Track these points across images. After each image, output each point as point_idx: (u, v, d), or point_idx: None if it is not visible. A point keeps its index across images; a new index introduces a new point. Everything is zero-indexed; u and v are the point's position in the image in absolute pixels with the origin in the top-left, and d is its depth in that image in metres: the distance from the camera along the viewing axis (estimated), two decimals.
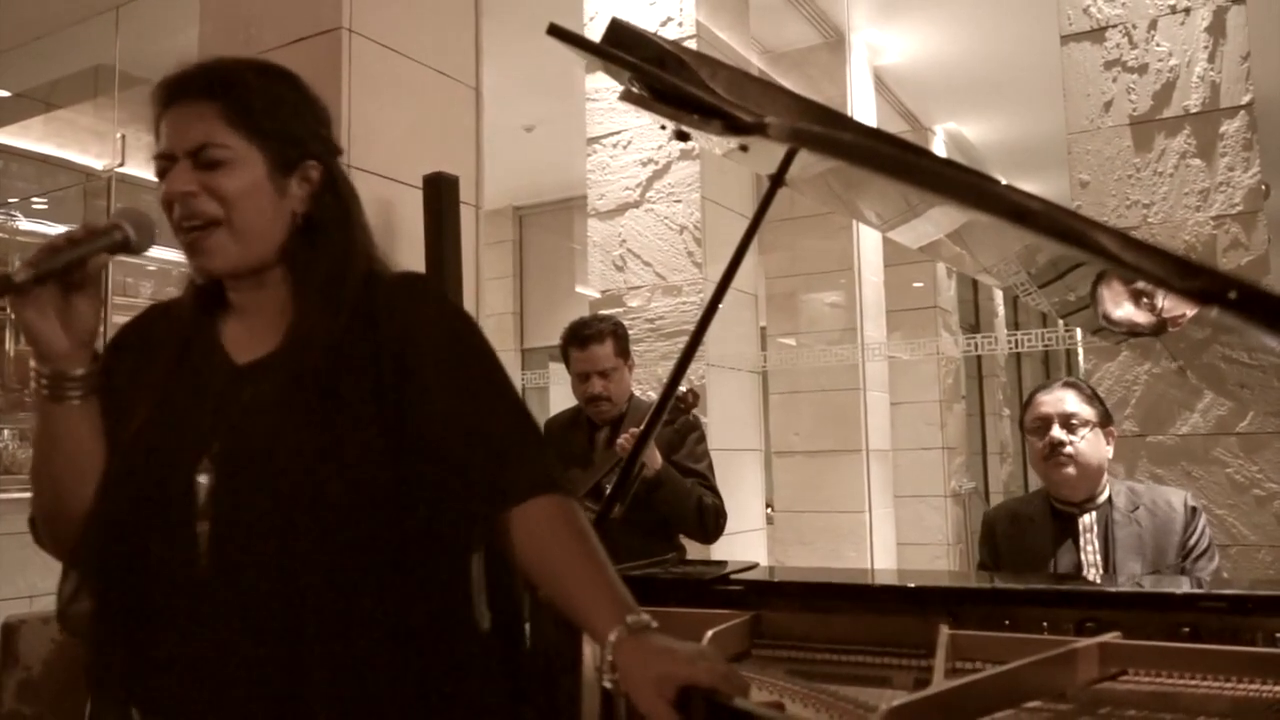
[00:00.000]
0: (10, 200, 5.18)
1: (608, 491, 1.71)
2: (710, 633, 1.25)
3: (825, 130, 1.08)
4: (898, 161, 0.96)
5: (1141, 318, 1.35)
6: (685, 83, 1.18)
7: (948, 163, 1.03)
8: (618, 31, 1.24)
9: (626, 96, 1.31)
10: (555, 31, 1.22)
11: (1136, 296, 1.22)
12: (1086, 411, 2.05)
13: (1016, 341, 4.83)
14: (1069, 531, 2.04)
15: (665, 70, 1.21)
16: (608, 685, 0.90)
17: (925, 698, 0.95)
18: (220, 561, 0.97)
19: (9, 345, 4.88)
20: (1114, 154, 3.09)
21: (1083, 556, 2.01)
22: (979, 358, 7.52)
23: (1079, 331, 3.67)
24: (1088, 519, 2.04)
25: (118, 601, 1.01)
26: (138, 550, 1.00)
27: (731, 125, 1.14)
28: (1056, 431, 2.04)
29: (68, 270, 0.99)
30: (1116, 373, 3.05)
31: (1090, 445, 2.03)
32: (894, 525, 5.55)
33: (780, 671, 1.23)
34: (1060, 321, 3.93)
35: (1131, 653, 1.12)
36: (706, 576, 1.50)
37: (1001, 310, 8.11)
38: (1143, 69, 3.07)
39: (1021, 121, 6.41)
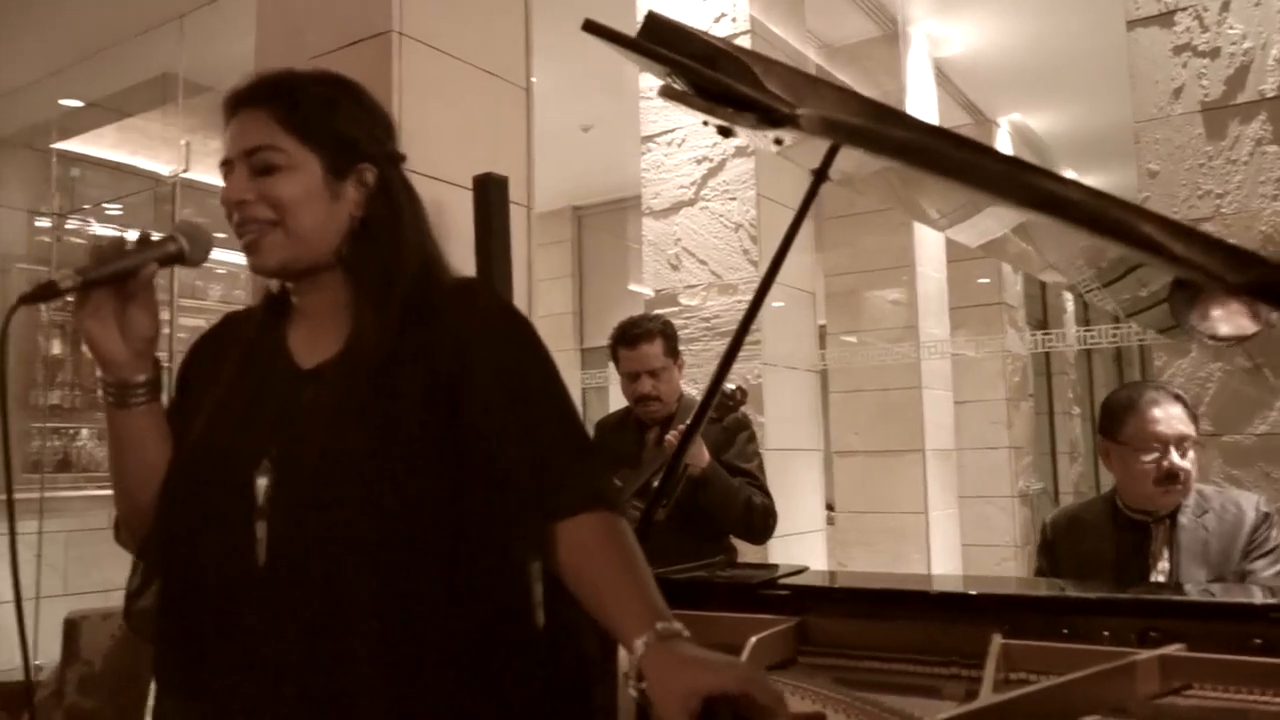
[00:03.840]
0: (84, 206, 5.35)
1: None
2: (754, 638, 1.23)
3: (859, 122, 1.04)
4: (929, 151, 0.92)
5: (1252, 328, 1.28)
6: (722, 76, 1.15)
7: (983, 150, 0.98)
8: (655, 26, 1.22)
9: (665, 92, 1.29)
10: (591, 27, 1.20)
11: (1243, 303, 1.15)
12: (1192, 431, 1.94)
13: (1083, 338, 4.69)
14: (1134, 538, 1.96)
15: (703, 64, 1.19)
16: (634, 694, 0.88)
17: (969, 712, 0.91)
18: (276, 562, 0.99)
19: (85, 347, 5.05)
20: (1184, 142, 2.97)
21: (1149, 563, 1.92)
22: (1047, 355, 7.33)
23: None
24: (1154, 526, 1.95)
25: (180, 600, 1.04)
26: (198, 550, 1.02)
27: (765, 118, 1.12)
28: (1175, 457, 1.91)
29: (116, 279, 1.02)
30: (1189, 370, 2.93)
31: (1194, 466, 1.93)
32: (958, 526, 5.43)
33: (826, 679, 1.20)
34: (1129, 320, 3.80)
35: (1196, 666, 1.07)
36: (753, 580, 1.48)
37: (1071, 306, 7.90)
38: (1214, 53, 2.95)
39: (1088, 111, 6.24)
